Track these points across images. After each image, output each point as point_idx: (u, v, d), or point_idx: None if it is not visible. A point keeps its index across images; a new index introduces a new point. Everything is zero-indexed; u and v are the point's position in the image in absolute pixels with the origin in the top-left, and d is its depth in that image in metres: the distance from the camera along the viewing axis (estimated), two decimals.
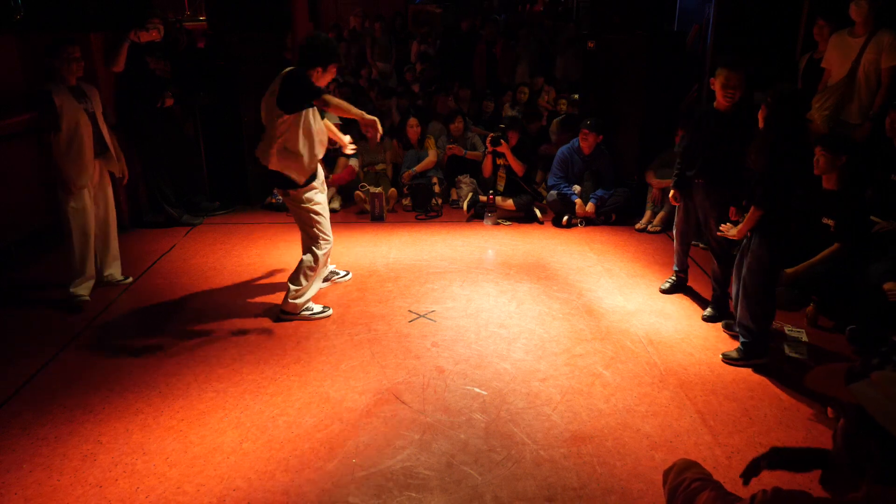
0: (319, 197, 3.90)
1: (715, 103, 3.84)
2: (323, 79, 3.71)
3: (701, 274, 4.68)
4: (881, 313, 3.50)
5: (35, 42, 4.81)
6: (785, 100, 3.20)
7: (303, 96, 3.50)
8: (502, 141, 5.85)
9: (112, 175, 4.33)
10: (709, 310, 4.06)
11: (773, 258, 3.33)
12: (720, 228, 3.58)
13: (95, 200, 4.19)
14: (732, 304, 3.73)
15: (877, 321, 3.56)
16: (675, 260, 4.43)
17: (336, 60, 3.71)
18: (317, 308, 3.99)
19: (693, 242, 4.92)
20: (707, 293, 4.29)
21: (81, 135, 3.94)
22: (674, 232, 4.37)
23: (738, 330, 3.54)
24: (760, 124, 3.33)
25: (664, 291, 4.40)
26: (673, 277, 4.45)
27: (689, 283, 4.48)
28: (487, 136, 6.02)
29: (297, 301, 3.89)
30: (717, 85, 3.79)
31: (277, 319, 3.93)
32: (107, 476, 2.60)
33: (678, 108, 6.07)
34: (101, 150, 4.12)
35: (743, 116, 3.72)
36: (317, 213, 3.87)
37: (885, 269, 3.56)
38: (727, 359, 3.51)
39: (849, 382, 1.20)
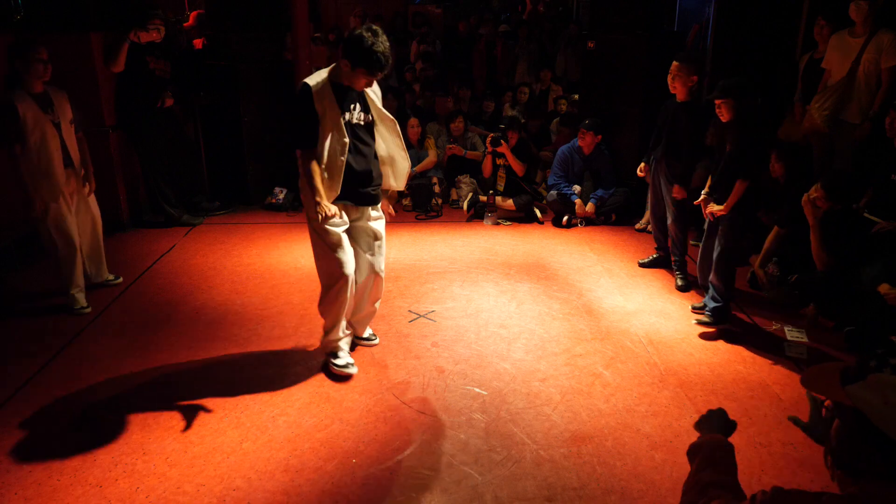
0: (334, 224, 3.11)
1: (676, 96, 4.39)
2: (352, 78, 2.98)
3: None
4: (879, 315, 3.50)
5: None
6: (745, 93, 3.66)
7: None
8: (502, 141, 5.85)
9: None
10: (679, 279, 4.54)
11: (739, 231, 3.79)
12: (709, 211, 3.88)
13: (77, 209, 4.02)
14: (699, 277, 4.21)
15: (875, 323, 3.55)
16: (655, 242, 4.89)
17: (363, 64, 2.88)
18: (341, 359, 3.35)
19: (692, 242, 5.02)
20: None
21: (49, 147, 3.67)
22: (649, 215, 4.92)
23: (709, 295, 3.92)
24: (726, 117, 3.72)
25: (642, 265, 4.85)
26: (653, 255, 4.90)
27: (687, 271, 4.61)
28: (488, 136, 6.03)
29: (325, 337, 3.40)
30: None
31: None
32: (107, 476, 2.60)
33: None
34: (68, 161, 3.86)
35: (698, 106, 4.33)
36: (318, 241, 3.15)
37: (878, 271, 3.56)
38: (700, 323, 3.91)
39: (844, 384, 1.20)
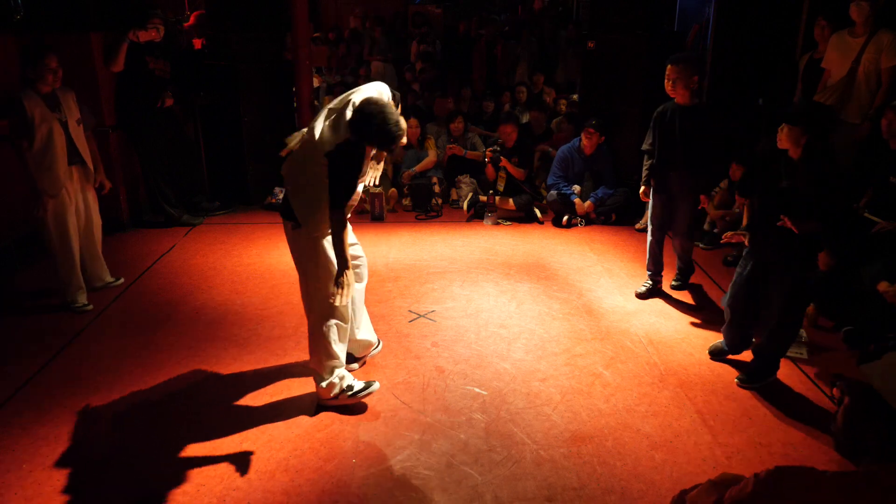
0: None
1: (676, 100, 4.03)
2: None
3: (700, 273, 4.68)
4: (879, 314, 3.50)
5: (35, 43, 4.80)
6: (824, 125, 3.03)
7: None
8: (501, 157, 5.91)
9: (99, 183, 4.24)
10: (675, 280, 4.47)
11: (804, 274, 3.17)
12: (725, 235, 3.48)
13: (76, 207, 4.07)
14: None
15: (874, 322, 3.55)
16: (649, 262, 4.32)
17: (381, 145, 2.76)
18: (357, 385, 3.06)
19: (701, 245, 5.04)
20: (708, 291, 4.31)
21: (54, 143, 3.83)
22: (649, 228, 4.31)
23: (756, 352, 3.33)
24: (793, 150, 3.01)
25: (639, 296, 4.28)
26: (648, 282, 4.33)
27: (690, 281, 4.51)
28: (486, 150, 6.12)
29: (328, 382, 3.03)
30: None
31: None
32: (106, 476, 2.60)
33: None
34: (75, 158, 3.99)
35: (704, 109, 4.05)
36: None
37: (878, 270, 3.56)
38: (742, 383, 3.28)
39: (861, 363, 1.23)
